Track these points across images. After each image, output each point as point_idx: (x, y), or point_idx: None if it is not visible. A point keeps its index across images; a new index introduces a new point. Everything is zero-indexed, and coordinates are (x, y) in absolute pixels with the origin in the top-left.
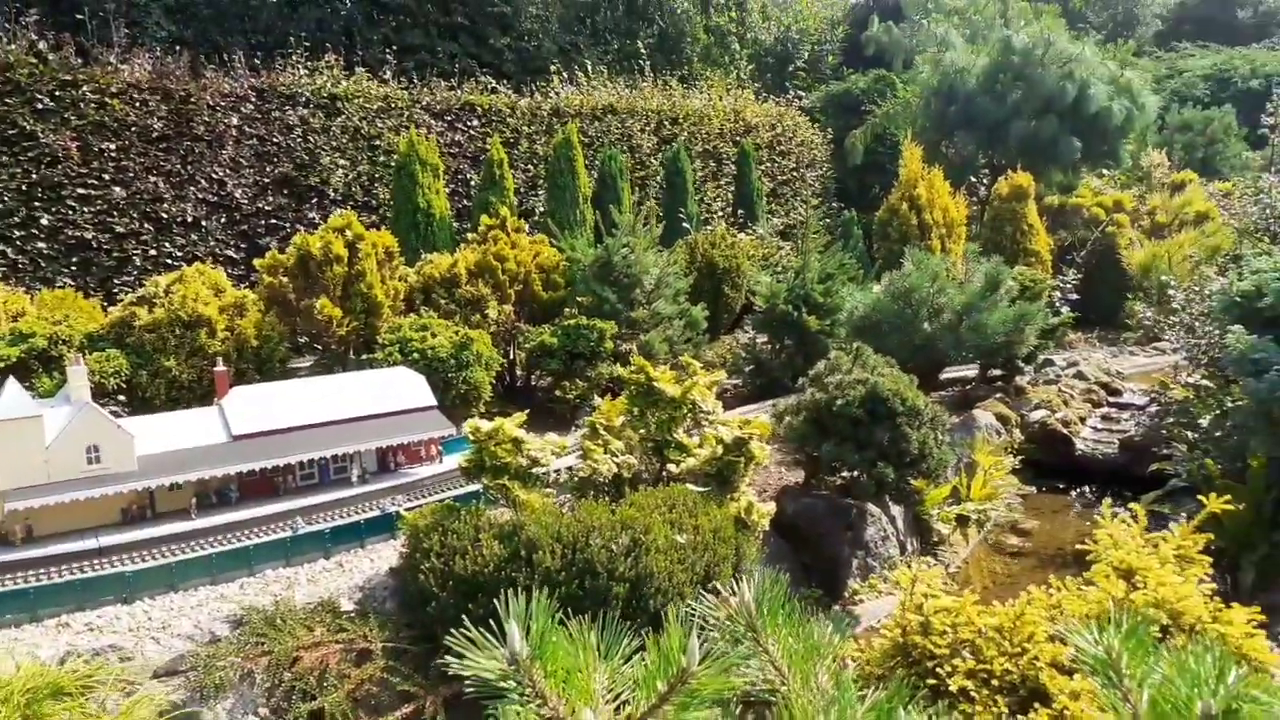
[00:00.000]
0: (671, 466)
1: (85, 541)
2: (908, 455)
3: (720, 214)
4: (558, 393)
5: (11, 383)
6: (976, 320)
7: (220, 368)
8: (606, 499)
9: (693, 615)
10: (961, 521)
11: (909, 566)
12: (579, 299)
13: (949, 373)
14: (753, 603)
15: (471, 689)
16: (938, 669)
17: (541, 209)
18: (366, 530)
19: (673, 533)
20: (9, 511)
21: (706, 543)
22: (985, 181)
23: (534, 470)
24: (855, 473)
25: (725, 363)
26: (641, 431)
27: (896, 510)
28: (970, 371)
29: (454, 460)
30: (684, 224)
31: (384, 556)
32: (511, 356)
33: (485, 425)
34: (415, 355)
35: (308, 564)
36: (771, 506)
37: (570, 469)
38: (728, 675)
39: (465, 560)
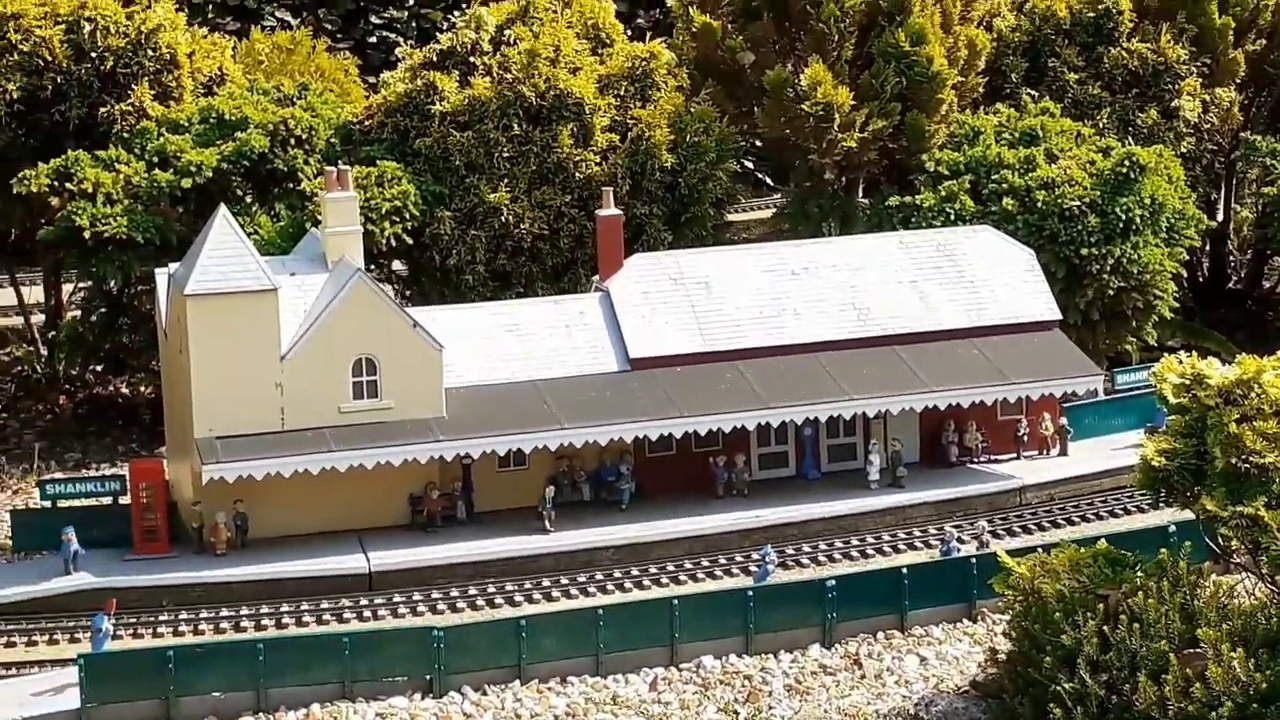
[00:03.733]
0: None
1: (341, 557)
2: None
3: None
4: None
5: (223, 222)
6: None
7: (609, 209)
8: None
9: None
10: None
11: None
12: None
13: None
14: None
15: None
16: None
17: None
18: (914, 590)
19: None
20: (207, 483)
21: None
22: None
23: None
24: None
25: None
26: None
27: None
28: None
29: (1094, 449)
30: None
31: (948, 653)
32: (1224, 214)
33: (1214, 371)
34: (1007, 201)
35: (786, 652)
36: None
37: None
38: None
39: (1162, 686)
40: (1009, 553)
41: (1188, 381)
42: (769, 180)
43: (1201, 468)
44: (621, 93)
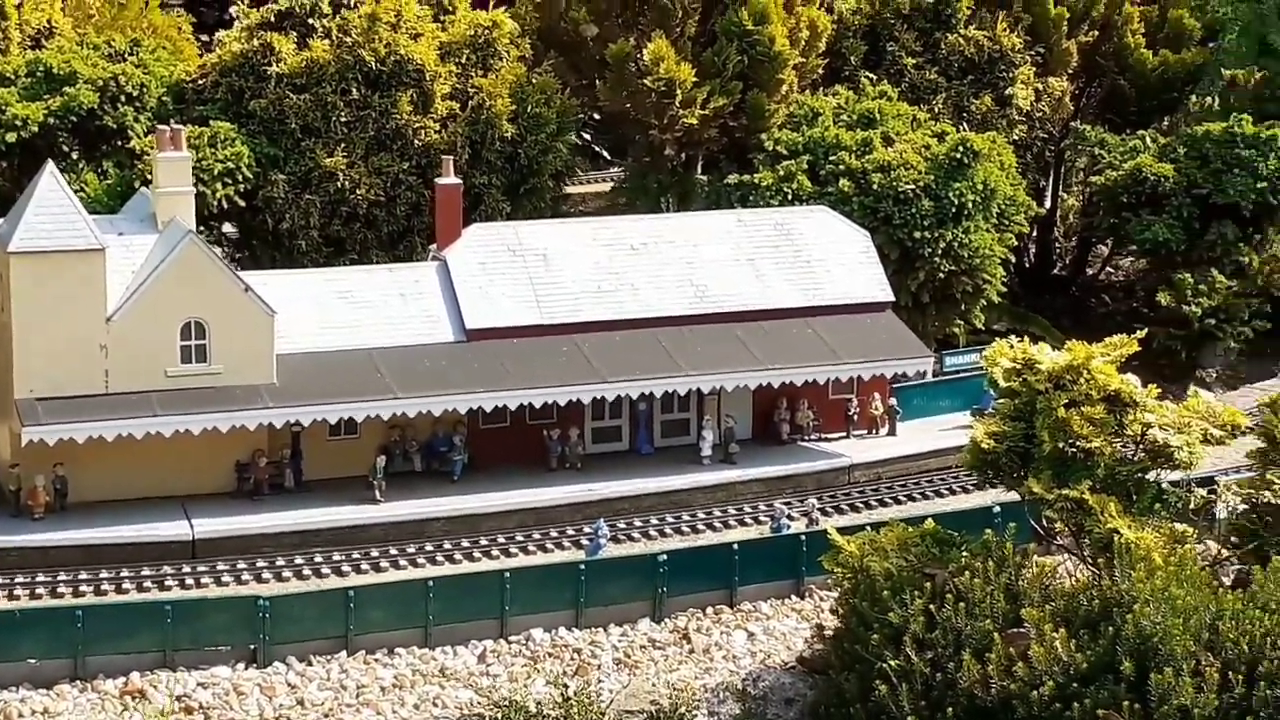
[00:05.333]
0: None
1: (163, 524)
2: None
3: None
4: (1161, 299)
5: (50, 179)
6: None
7: (449, 178)
8: None
9: None
10: None
11: None
12: (1230, 72)
13: None
14: None
15: None
16: None
17: None
18: (744, 566)
19: None
20: (26, 444)
21: None
22: None
23: (1155, 476)
24: None
25: None
26: None
27: None
28: None
29: (922, 429)
30: None
31: (776, 629)
32: (1051, 202)
33: (1045, 355)
34: (844, 182)
35: (615, 626)
36: None
37: (1217, 485)
38: None
39: (985, 664)
40: (838, 530)
41: (1019, 366)
42: (605, 154)
43: (1029, 451)
44: (463, 61)
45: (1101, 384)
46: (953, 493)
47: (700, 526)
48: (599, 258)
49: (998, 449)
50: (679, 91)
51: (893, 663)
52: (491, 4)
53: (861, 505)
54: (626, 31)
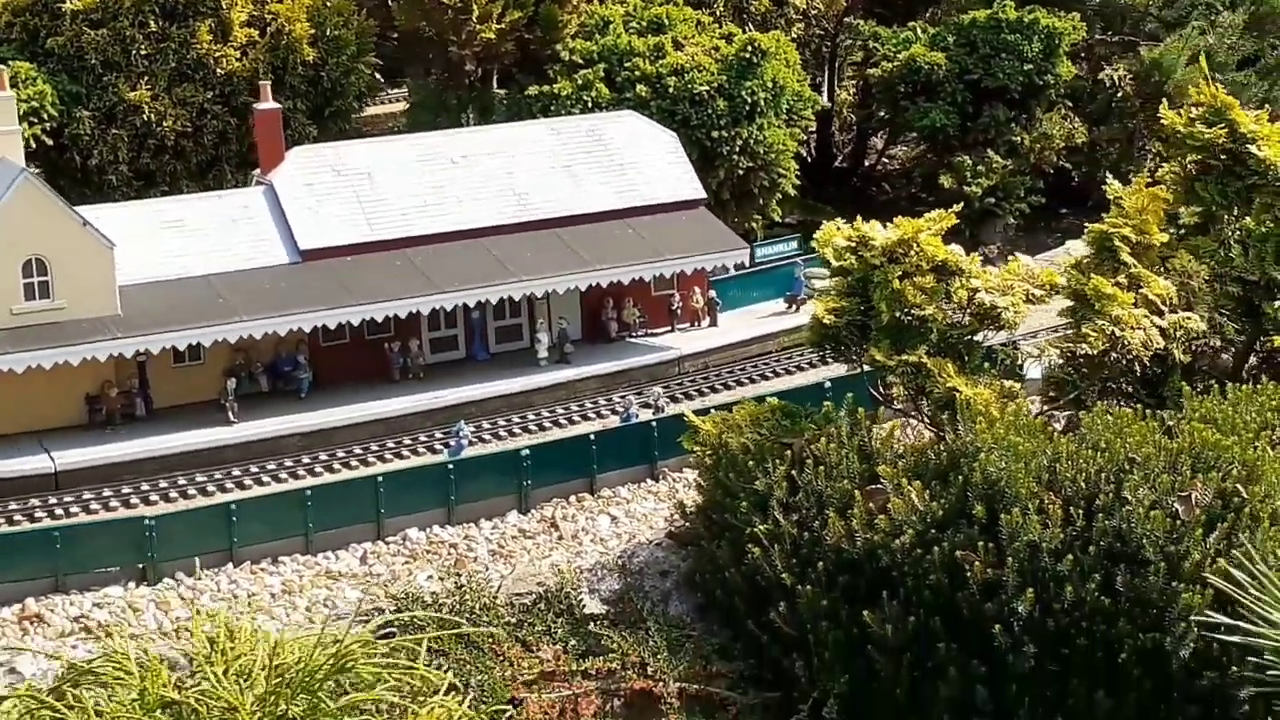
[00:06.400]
0: None
1: (24, 458)
2: None
3: None
4: (943, 181)
5: None
6: None
7: (267, 103)
8: (1138, 405)
9: None
10: None
11: None
12: None
13: None
14: None
15: None
16: None
17: None
18: (601, 455)
19: None
20: None
21: None
22: None
23: (985, 336)
24: None
25: None
26: (1213, 262)
27: None
28: None
29: (740, 319)
30: None
31: (637, 511)
32: (829, 96)
33: (876, 231)
34: (641, 88)
35: (486, 520)
36: None
37: (1038, 346)
38: None
39: (849, 521)
40: (680, 416)
41: (853, 244)
42: (379, 77)
43: (867, 323)
44: None
45: (930, 255)
46: (777, 374)
47: (547, 424)
48: (421, 173)
49: (838, 323)
50: (475, 7)
51: (761, 527)
52: None
53: (695, 393)
54: None
